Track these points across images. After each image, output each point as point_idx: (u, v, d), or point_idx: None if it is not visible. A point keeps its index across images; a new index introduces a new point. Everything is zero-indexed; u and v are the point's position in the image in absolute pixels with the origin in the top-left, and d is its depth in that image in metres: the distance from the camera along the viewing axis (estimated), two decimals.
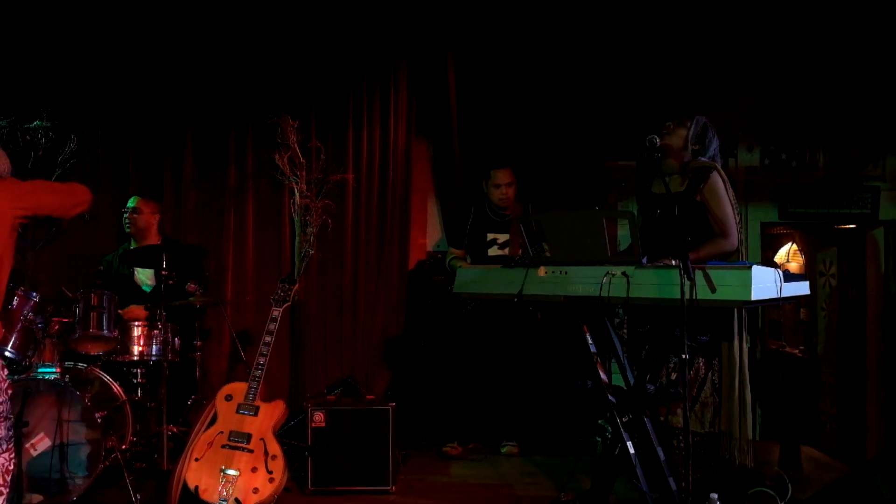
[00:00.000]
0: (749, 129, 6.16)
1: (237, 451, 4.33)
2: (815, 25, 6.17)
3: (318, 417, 4.79)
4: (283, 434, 4.71)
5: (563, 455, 5.62)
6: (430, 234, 6.65)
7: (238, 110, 6.20)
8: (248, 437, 4.36)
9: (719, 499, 3.40)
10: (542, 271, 3.90)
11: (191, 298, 5.27)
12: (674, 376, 4.05)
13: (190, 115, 6.20)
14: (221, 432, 4.40)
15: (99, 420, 4.52)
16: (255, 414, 4.44)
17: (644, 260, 3.59)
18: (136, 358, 5.06)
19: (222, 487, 4.24)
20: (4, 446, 3.36)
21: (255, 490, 4.25)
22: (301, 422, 4.87)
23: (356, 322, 6.25)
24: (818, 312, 5.23)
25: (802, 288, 3.79)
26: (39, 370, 4.54)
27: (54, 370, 4.56)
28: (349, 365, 6.17)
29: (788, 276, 3.60)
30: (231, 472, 4.28)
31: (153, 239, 5.68)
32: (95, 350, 4.96)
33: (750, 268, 3.32)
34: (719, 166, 4.16)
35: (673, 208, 3.82)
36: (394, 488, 4.78)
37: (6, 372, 3.41)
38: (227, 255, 6.19)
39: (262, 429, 4.40)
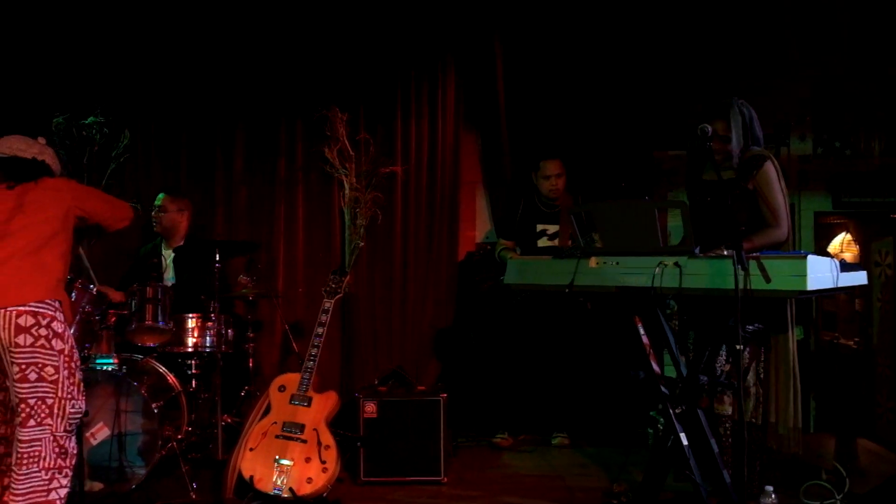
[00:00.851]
0: (801, 117, 6.06)
1: (291, 442, 4.38)
2: (868, 9, 6.05)
3: (370, 408, 4.83)
4: (335, 424, 4.75)
5: (613, 446, 5.61)
6: (479, 225, 6.65)
7: (288, 104, 6.25)
8: (302, 427, 4.41)
9: (773, 491, 3.37)
10: (593, 262, 3.88)
11: (243, 291, 5.33)
12: (727, 367, 4.03)
13: (240, 110, 6.26)
14: (275, 423, 4.45)
15: (155, 410, 4.59)
16: (309, 405, 4.48)
17: (696, 250, 3.57)
18: (190, 349, 5.14)
19: (276, 477, 4.30)
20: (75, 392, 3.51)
21: (309, 480, 4.29)
22: (352, 412, 4.90)
23: (406, 313, 6.28)
24: (873, 303, 5.13)
25: (859, 278, 3.75)
26: (97, 361, 4.64)
27: (111, 361, 4.65)
28: (399, 356, 6.21)
29: (845, 266, 3.56)
30: (285, 461, 4.33)
31: (181, 237, 5.68)
32: (151, 342, 5.03)
33: (805, 257, 3.29)
34: (771, 155, 4.12)
35: (725, 197, 3.79)
36: (445, 479, 4.80)
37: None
38: (279, 248, 6.25)
39: (316, 419, 4.44)
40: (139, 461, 4.61)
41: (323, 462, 4.32)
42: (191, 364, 5.24)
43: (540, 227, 5.70)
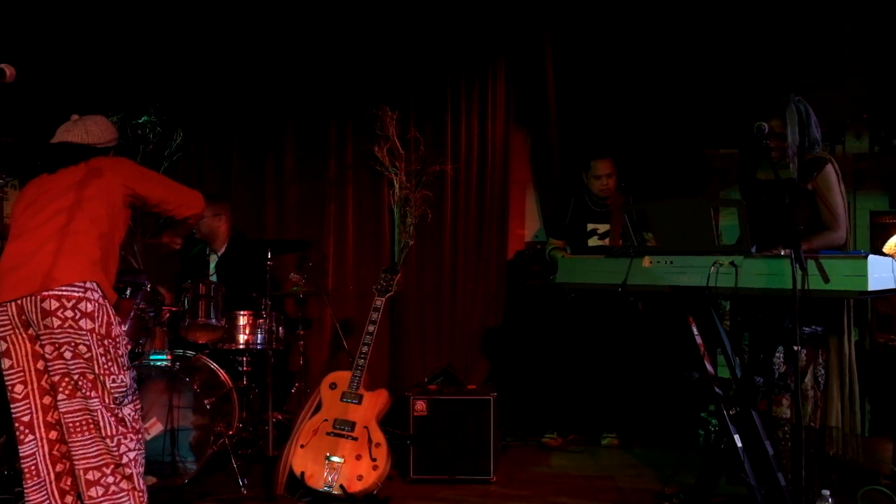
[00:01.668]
0: (857, 115, 5.96)
1: (342, 439, 4.40)
2: None
3: (420, 406, 4.83)
4: (385, 423, 4.76)
5: (663, 447, 5.55)
6: (529, 224, 6.62)
7: (338, 103, 6.29)
8: (353, 425, 4.43)
9: (830, 496, 3.31)
10: (646, 261, 3.84)
11: (294, 289, 5.36)
12: (783, 368, 3.97)
13: (291, 109, 6.31)
14: (326, 420, 4.48)
15: (207, 406, 4.64)
16: (359, 402, 4.50)
17: (753, 249, 3.52)
18: (241, 346, 5.17)
19: (327, 474, 4.32)
20: (130, 398, 3.50)
21: (360, 477, 4.31)
22: (402, 410, 4.91)
23: (455, 312, 6.28)
24: None
25: None
26: (151, 357, 4.69)
27: (165, 357, 4.71)
28: (448, 354, 6.22)
29: None
30: (336, 459, 4.35)
31: (222, 241, 5.69)
32: (203, 339, 5.07)
33: (866, 257, 3.22)
34: (832, 158, 4.05)
35: (783, 196, 3.73)
36: (495, 478, 4.79)
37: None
38: (328, 246, 6.29)
39: (366, 417, 4.45)
40: (191, 456, 4.67)
41: (373, 460, 4.33)
42: (242, 361, 5.28)
43: (590, 227, 5.67)
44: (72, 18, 6.10)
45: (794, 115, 4.01)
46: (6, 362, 3.48)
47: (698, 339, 3.95)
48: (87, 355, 3.38)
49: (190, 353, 5.04)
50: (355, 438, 4.39)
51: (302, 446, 4.43)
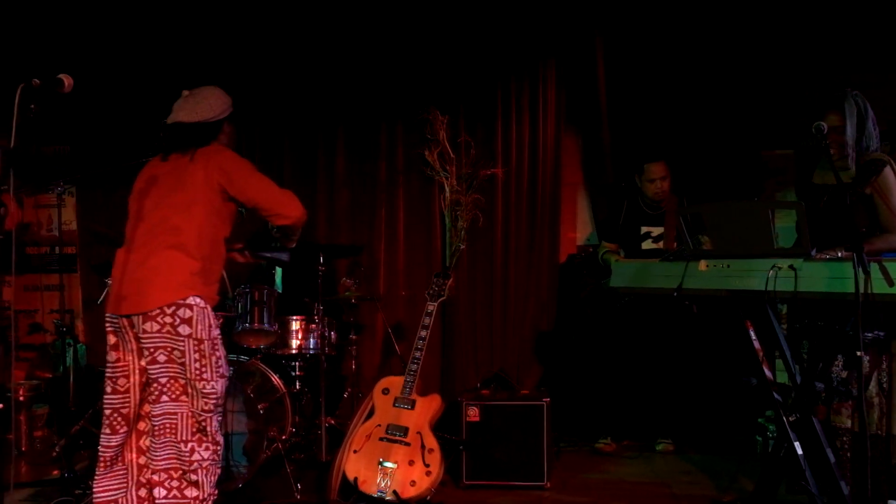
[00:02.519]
0: None
1: (395, 444, 4.39)
2: None
3: (473, 412, 4.81)
4: (437, 428, 4.74)
5: (720, 454, 5.45)
6: (581, 228, 6.57)
7: (388, 107, 6.29)
8: (406, 430, 4.42)
9: None
10: (702, 265, 3.78)
11: (346, 293, 5.37)
12: (844, 374, 3.87)
13: (341, 113, 6.34)
14: (379, 425, 4.47)
15: (261, 411, 4.66)
16: (412, 407, 4.49)
17: (813, 252, 3.43)
18: (294, 351, 5.20)
19: (380, 479, 4.31)
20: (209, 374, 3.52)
21: (413, 483, 4.29)
22: (455, 416, 4.89)
23: (507, 316, 6.25)
24: None
25: None
26: None
27: None
28: (500, 359, 6.19)
29: None
30: (389, 464, 4.34)
31: None
32: (256, 343, 5.11)
33: None
34: (891, 159, 3.94)
35: (843, 198, 3.64)
36: (548, 484, 4.74)
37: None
38: (379, 251, 6.30)
39: (419, 422, 4.44)
40: (245, 461, 4.68)
41: (426, 465, 4.32)
42: (295, 366, 5.30)
43: (644, 230, 5.59)
44: (126, 27, 6.18)
45: (853, 108, 3.91)
46: (113, 355, 3.60)
47: (756, 344, 3.88)
48: (181, 360, 3.45)
49: (244, 357, 5.06)
50: (408, 444, 4.38)
51: (355, 451, 4.43)
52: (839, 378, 3.84)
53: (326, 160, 6.38)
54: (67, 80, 3.05)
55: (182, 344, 3.44)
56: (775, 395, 3.78)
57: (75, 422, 5.38)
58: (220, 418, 3.60)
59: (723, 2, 5.92)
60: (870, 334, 3.67)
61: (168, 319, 3.43)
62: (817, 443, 3.67)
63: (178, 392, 3.49)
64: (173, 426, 3.48)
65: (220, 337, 3.59)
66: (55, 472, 5.00)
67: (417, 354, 4.59)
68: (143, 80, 6.26)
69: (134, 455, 3.61)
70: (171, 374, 3.47)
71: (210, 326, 3.52)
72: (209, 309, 3.53)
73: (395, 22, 6.18)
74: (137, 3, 6.10)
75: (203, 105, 3.70)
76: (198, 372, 3.47)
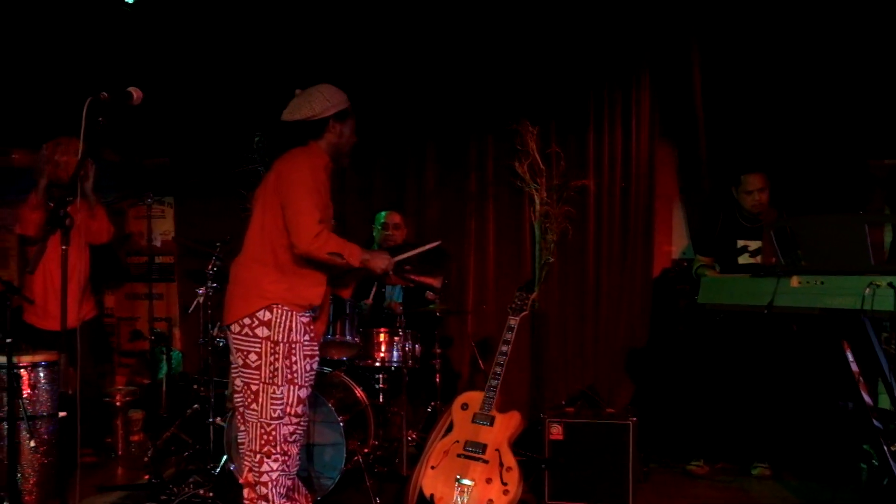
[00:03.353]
0: None
1: (472, 461, 4.30)
2: None
3: (556, 430, 4.68)
4: (521, 445, 4.64)
5: (820, 480, 5.16)
6: (676, 241, 6.35)
7: (478, 119, 6.25)
8: (484, 447, 4.32)
9: None
10: (794, 281, 3.58)
11: (430, 306, 5.31)
12: None
13: (431, 125, 6.33)
14: (457, 441, 4.39)
15: (342, 424, 4.63)
16: (491, 424, 4.39)
17: None
18: (377, 364, 5.16)
19: (457, 496, 4.23)
20: (291, 418, 3.57)
21: (490, 501, 4.19)
22: (538, 433, 4.77)
23: (598, 332, 6.11)
24: None
25: None
26: None
27: None
28: (591, 375, 6.06)
29: None
30: (466, 481, 4.25)
31: None
32: (339, 355, 5.09)
33: None
34: None
35: None
36: None
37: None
38: (469, 264, 6.26)
39: (498, 439, 4.34)
40: (327, 472, 4.66)
41: (504, 484, 4.21)
42: (378, 378, 5.27)
43: (741, 244, 5.36)
44: (219, 44, 6.30)
45: None
46: (232, 357, 3.69)
47: (853, 366, 3.66)
48: (255, 364, 3.51)
49: (327, 369, 5.05)
50: (486, 461, 4.28)
51: (433, 467, 4.35)
52: None
53: (416, 172, 6.38)
54: (136, 93, 3.09)
55: (258, 347, 3.50)
56: (874, 422, 3.54)
57: (166, 428, 5.50)
58: (292, 428, 3.58)
59: (825, 4, 5.64)
60: None
61: (247, 321, 3.51)
62: None
63: (250, 399, 3.54)
64: (249, 435, 3.57)
65: (301, 343, 3.56)
66: (146, 477, 5.09)
67: (498, 370, 4.49)
68: (235, 94, 6.37)
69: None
70: (246, 380, 3.54)
71: (290, 330, 3.52)
72: (294, 314, 3.52)
73: (484, 34, 6.12)
74: (229, 24, 6.22)
75: (305, 103, 3.69)
76: (270, 375, 3.50)
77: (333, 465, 4.63)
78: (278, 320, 3.49)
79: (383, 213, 5.89)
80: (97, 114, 2.95)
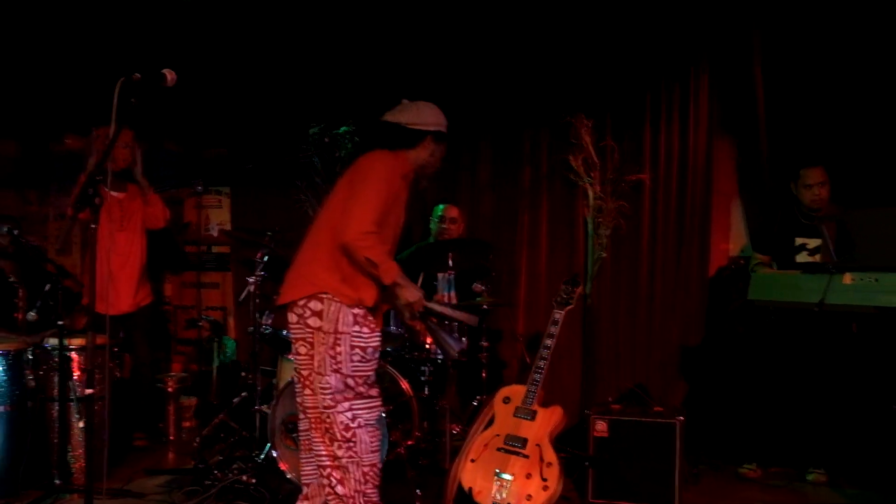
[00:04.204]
0: None
1: (512, 456, 4.23)
2: None
3: (601, 427, 4.59)
4: (568, 442, 4.56)
5: (880, 490, 4.96)
6: (734, 238, 6.19)
7: (532, 112, 6.19)
8: (524, 441, 4.25)
9: None
10: (847, 278, 3.46)
11: (478, 299, 5.26)
12: None
13: (486, 118, 6.30)
14: (497, 435, 4.32)
15: (384, 415, 4.59)
16: (533, 419, 4.31)
17: None
18: (423, 355, 5.13)
19: (496, 491, 4.16)
20: (348, 405, 3.60)
21: (529, 497, 4.12)
22: (585, 430, 4.69)
23: (651, 329, 6.01)
24: None
25: None
26: None
27: None
28: (642, 374, 5.96)
29: None
30: (505, 476, 4.19)
31: None
32: (385, 346, 5.06)
33: None
34: None
35: None
36: None
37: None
38: (521, 257, 6.21)
39: (539, 434, 4.26)
40: None
41: (544, 479, 4.13)
42: (424, 370, 5.23)
43: (799, 241, 5.18)
44: (277, 36, 6.34)
45: None
46: (292, 347, 3.75)
47: None
48: (309, 352, 3.58)
49: None
50: (526, 456, 4.21)
51: (472, 461, 4.30)
52: None
53: (470, 164, 6.36)
54: (170, 75, 3.09)
55: (310, 337, 3.56)
56: None
57: (216, 415, 5.55)
58: (349, 414, 3.59)
59: None
60: None
61: (299, 311, 3.57)
62: None
63: (306, 384, 3.65)
64: (315, 420, 3.64)
65: (349, 335, 3.55)
66: (192, 463, 5.15)
67: (541, 364, 4.42)
68: (293, 87, 6.42)
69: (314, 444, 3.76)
70: (306, 368, 3.62)
71: (338, 321, 3.53)
72: (346, 308, 3.52)
73: (542, 25, 6.05)
74: (287, 16, 6.25)
75: (412, 111, 3.76)
76: (319, 365, 3.55)
77: None
78: (328, 310, 3.52)
79: (441, 207, 5.86)
80: (129, 95, 2.97)
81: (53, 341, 4.71)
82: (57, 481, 4.68)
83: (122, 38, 6.00)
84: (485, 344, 5.35)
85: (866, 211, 3.57)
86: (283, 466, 4.69)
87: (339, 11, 6.17)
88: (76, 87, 6.12)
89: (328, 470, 3.62)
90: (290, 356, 4.84)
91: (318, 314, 3.52)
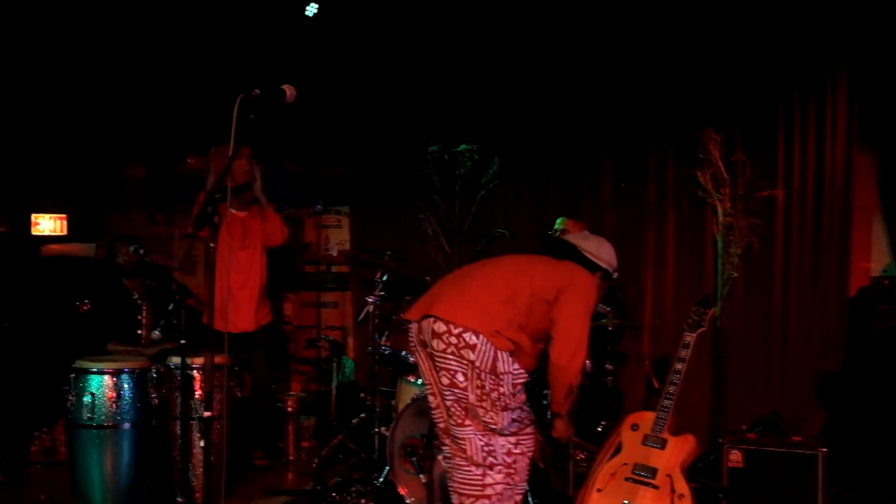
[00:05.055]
0: None
1: (641, 486, 4.02)
2: None
3: (735, 457, 4.36)
4: (696, 471, 4.33)
5: None
6: (876, 256, 5.84)
7: (656, 126, 6.02)
8: (654, 471, 4.03)
9: None
10: None
11: (602, 320, 5.09)
12: None
13: (608, 134, 6.17)
14: (625, 464, 4.12)
15: None
16: (663, 447, 4.10)
17: None
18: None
19: None
20: (512, 429, 3.57)
21: None
22: (716, 460, 4.45)
23: (785, 353, 5.71)
24: None
25: None
26: None
27: None
28: (777, 401, 5.65)
29: None
30: None
31: None
32: None
33: None
34: None
35: None
36: None
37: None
38: (646, 277, 6.04)
39: (670, 464, 4.04)
40: None
41: None
42: (546, 395, 5.07)
43: None
44: (395, 57, 6.37)
45: None
46: (421, 374, 3.73)
47: None
48: (462, 384, 3.48)
49: None
50: (656, 487, 3.99)
51: (598, 490, 4.10)
52: None
53: (592, 181, 6.23)
54: (290, 91, 3.05)
55: (466, 369, 3.47)
56: None
57: (334, 436, 5.52)
58: (513, 439, 3.58)
59: None
60: None
61: (453, 340, 3.48)
62: None
63: (462, 415, 3.52)
64: (462, 449, 3.53)
65: (510, 375, 3.54)
66: (311, 484, 5.13)
67: (671, 389, 4.20)
68: (413, 105, 6.41)
69: None
70: (455, 397, 3.52)
71: (496, 360, 3.49)
72: (497, 351, 3.48)
73: (664, 37, 5.89)
74: (404, 37, 6.27)
75: (598, 245, 3.84)
76: (479, 400, 3.48)
77: None
78: (483, 349, 3.46)
79: (561, 220, 5.72)
80: (249, 111, 2.94)
81: (176, 360, 4.74)
82: (179, 499, 4.71)
83: (243, 59, 6.09)
84: (609, 367, 5.18)
85: None
86: (401, 491, 4.61)
87: (458, 29, 6.15)
88: (198, 108, 6.23)
89: (471, 499, 3.53)
90: (409, 378, 4.78)
91: (473, 348, 3.46)
